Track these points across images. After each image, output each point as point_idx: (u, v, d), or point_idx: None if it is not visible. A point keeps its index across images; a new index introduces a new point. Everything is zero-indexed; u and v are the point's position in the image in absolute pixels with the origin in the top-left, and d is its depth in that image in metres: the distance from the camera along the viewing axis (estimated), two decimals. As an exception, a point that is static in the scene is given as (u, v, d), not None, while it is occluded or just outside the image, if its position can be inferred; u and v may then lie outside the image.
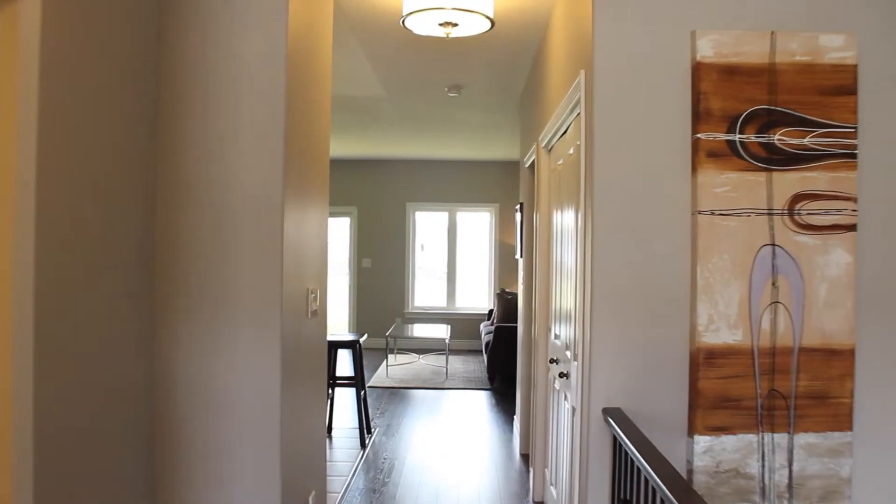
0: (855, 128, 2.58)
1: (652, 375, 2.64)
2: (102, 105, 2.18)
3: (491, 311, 10.50)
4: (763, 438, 2.58)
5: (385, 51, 5.09)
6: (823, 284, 2.58)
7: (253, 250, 2.65)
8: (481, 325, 10.21)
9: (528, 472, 5.14)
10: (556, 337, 3.93)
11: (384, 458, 5.47)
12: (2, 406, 1.82)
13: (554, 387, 3.96)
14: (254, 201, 2.65)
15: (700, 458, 2.56)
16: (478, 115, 7.34)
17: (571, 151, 3.42)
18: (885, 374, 2.64)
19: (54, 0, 1.88)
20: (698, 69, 2.58)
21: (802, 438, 2.58)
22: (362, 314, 11.26)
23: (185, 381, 2.66)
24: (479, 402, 7.56)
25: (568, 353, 3.43)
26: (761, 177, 2.58)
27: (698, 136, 2.57)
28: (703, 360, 2.56)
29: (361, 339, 5.80)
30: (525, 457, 5.54)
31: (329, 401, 5.89)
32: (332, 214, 11.05)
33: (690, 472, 2.58)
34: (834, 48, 2.59)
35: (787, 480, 2.58)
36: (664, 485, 1.88)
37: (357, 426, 5.92)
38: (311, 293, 3.11)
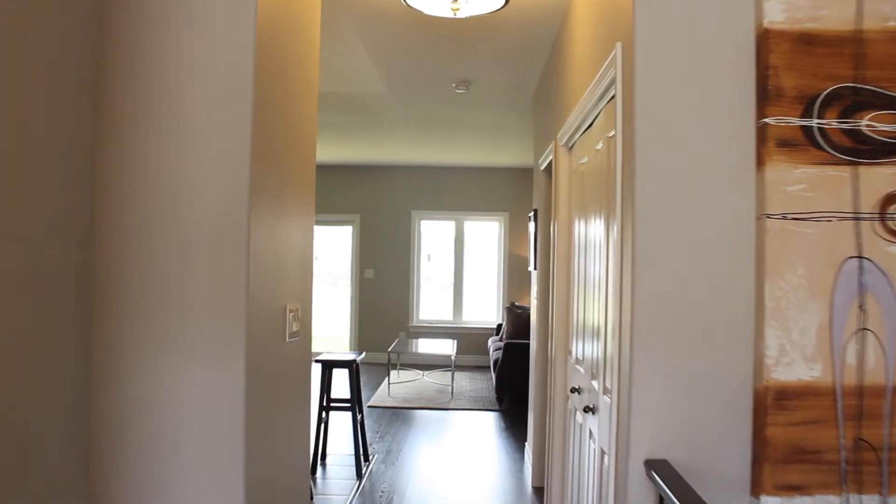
0: (964, 111, 2.06)
1: (706, 419, 2.11)
2: (28, 99, 1.69)
3: (499, 326, 9.98)
4: (849, 501, 2.05)
5: (385, 40, 4.60)
6: (925, 307, 2.05)
7: (209, 264, 2.14)
8: (489, 341, 9.69)
9: (542, 509, 4.60)
10: (578, 362, 3.41)
11: (382, 491, 4.94)
12: None
13: (575, 419, 3.43)
14: (211, 210, 2.15)
15: (770, 526, 2.03)
16: (487, 114, 6.83)
17: (599, 146, 2.91)
18: None
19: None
20: (766, 38, 2.07)
21: (899, 502, 2.05)
22: (364, 327, 10.74)
23: (126, 409, 2.15)
24: (487, 425, 7.02)
25: (594, 384, 2.91)
26: (845, 172, 2.06)
27: (766, 120, 2.06)
28: (772, 401, 2.03)
29: (358, 359, 5.29)
30: (538, 490, 4.99)
31: (323, 425, 5.37)
32: (334, 223, 10.57)
33: (757, 543, 2.06)
34: (938, 11, 2.07)
35: (879, 555, 2.05)
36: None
37: (353, 453, 5.39)
38: (291, 312, 2.61)
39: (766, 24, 2.07)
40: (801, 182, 2.05)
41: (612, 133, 2.63)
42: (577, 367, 3.41)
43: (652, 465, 2.07)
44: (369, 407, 7.56)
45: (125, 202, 2.16)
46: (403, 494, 4.87)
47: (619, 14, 2.41)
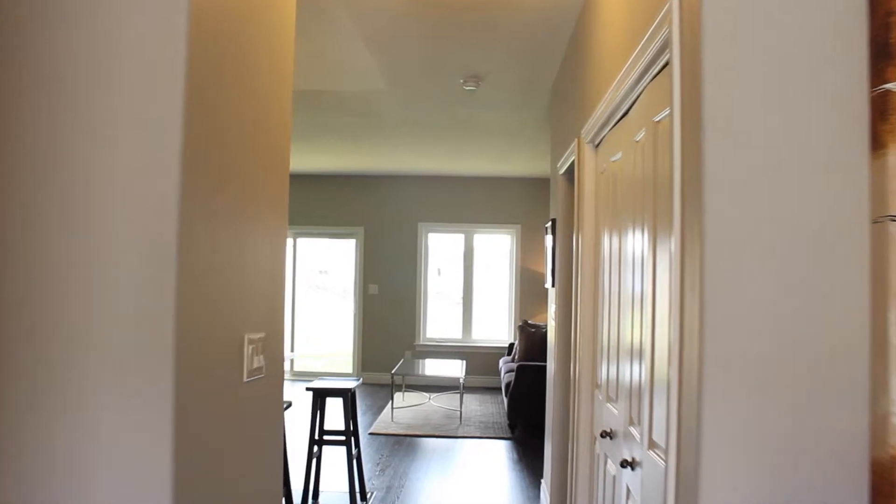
0: None
1: (805, 498, 1.53)
2: None
3: (511, 346, 9.39)
4: None
5: (385, 28, 4.06)
6: None
7: (123, 293, 1.58)
8: (500, 361, 9.09)
9: (562, 562, 4.00)
10: (610, 399, 2.83)
11: (380, 537, 4.35)
12: None
13: (606, 469, 2.85)
14: (125, 225, 1.59)
15: None
16: (499, 116, 6.28)
17: (640, 136, 2.35)
18: None
19: None
20: (885, -26, 1.51)
21: None
22: (368, 346, 10.17)
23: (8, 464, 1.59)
24: (499, 456, 6.42)
25: (634, 432, 2.33)
26: None
27: (886, 87, 1.49)
28: (902, 476, 1.46)
29: (355, 385, 4.72)
30: (557, 538, 4.40)
31: (315, 460, 4.80)
32: (336, 235, 10.03)
33: None
34: None
35: None
36: None
37: (349, 491, 4.80)
38: (252, 344, 2.04)
39: (885, -46, 1.50)
40: (939, 171, 1.48)
41: (661, 115, 2.07)
42: (609, 405, 2.83)
43: (731, 562, 1.49)
44: (370, 434, 6.98)
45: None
46: (404, 542, 4.29)
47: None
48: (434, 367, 8.54)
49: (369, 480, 5.45)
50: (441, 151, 8.20)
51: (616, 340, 2.72)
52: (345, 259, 10.58)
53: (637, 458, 2.27)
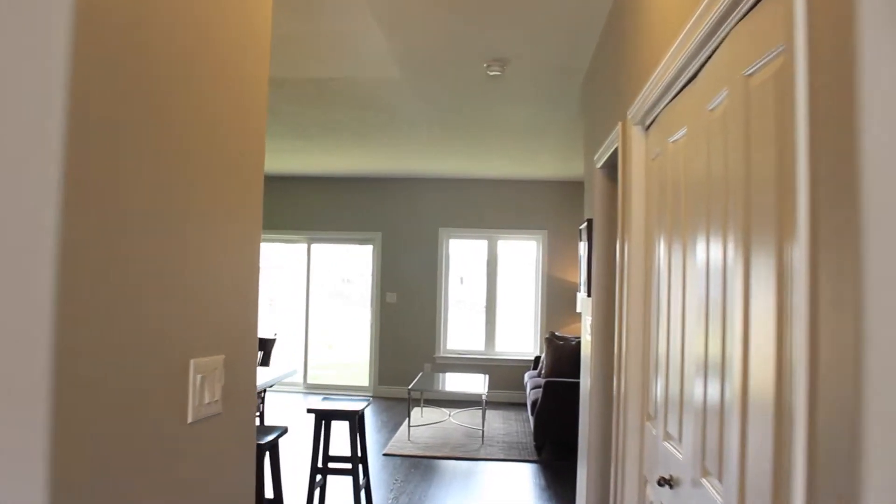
0: None
1: None
2: None
3: (537, 359, 8.81)
4: None
5: (398, 2, 3.55)
6: None
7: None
8: (525, 376, 8.52)
9: None
10: (670, 437, 2.27)
11: (390, 582, 3.81)
12: None
13: (664, 525, 2.28)
14: None
15: None
16: (525, 107, 5.74)
17: (718, 101, 1.81)
18: None
19: None
20: None
21: None
22: (385, 357, 9.64)
23: None
24: (524, 481, 5.86)
25: (712, 490, 1.77)
26: None
27: None
28: None
29: (363, 408, 4.18)
30: (593, 586, 3.83)
31: (318, 491, 4.27)
32: (352, 241, 9.55)
33: None
34: None
35: None
36: None
37: (357, 526, 4.27)
38: (202, 372, 1.52)
39: None
40: None
41: (755, 66, 1.52)
42: (669, 444, 2.27)
43: None
44: (385, 455, 6.44)
45: None
46: (417, 588, 3.74)
47: None
48: (454, 383, 7.99)
49: (381, 511, 4.91)
50: (462, 152, 7.66)
51: (680, 367, 2.15)
52: (362, 266, 10.08)
53: (716, 526, 1.71)
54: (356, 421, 4.08)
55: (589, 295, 4.01)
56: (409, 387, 7.28)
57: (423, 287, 9.66)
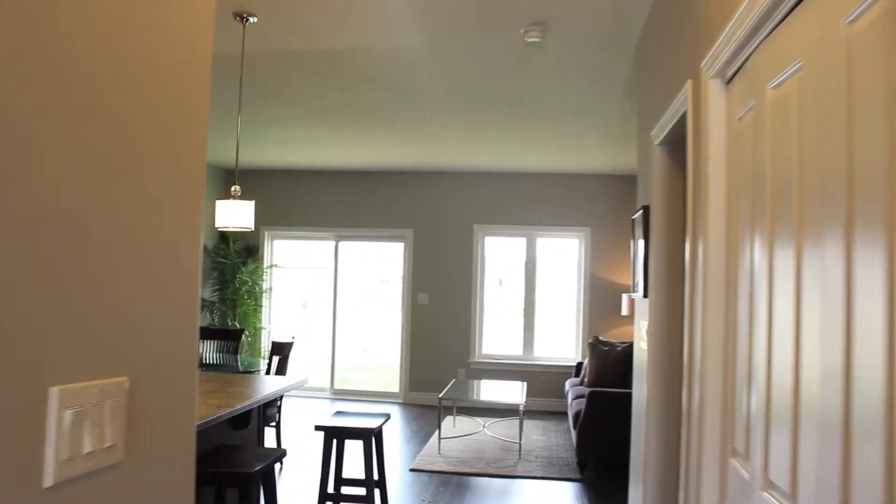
0: None
1: None
2: None
3: (580, 365, 8.18)
4: None
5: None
6: None
7: None
8: (567, 383, 7.89)
9: None
10: (772, 488, 1.66)
11: None
12: None
13: None
14: None
15: None
16: (567, 85, 5.14)
17: (863, 6, 1.20)
18: None
19: None
20: None
21: None
22: (417, 362, 9.09)
23: None
24: (565, 503, 5.25)
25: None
26: None
27: None
28: None
29: (380, 424, 3.63)
30: None
31: (330, 518, 3.73)
32: (382, 238, 9.04)
33: None
34: None
35: None
36: None
37: (374, 559, 3.71)
38: (75, 406, 0.97)
39: None
40: None
41: None
42: (768, 495, 1.67)
43: None
44: (412, 471, 5.88)
45: None
46: None
47: None
48: (490, 391, 7.40)
49: (404, 538, 4.36)
50: (497, 141, 7.07)
51: (793, 395, 1.55)
52: (392, 265, 9.55)
53: None
54: (371, 439, 3.53)
55: (645, 296, 3.40)
56: (440, 395, 6.70)
57: (456, 287, 9.09)
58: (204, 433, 2.96)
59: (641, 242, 3.55)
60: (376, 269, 9.86)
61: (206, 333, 6.59)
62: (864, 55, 1.22)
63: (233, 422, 3.72)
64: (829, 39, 1.38)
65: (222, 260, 8.86)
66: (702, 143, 2.31)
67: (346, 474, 4.04)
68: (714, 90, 2.24)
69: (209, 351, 6.57)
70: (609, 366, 7.12)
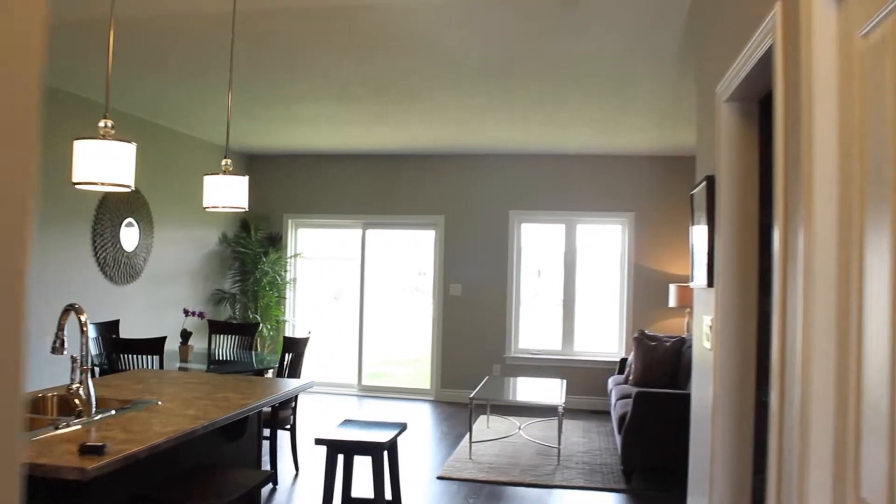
0: None
1: None
2: None
3: (624, 361, 7.56)
4: None
5: None
6: None
7: None
8: (609, 381, 7.29)
9: None
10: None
11: None
12: None
13: None
14: None
15: None
16: (608, 51, 4.53)
17: None
18: None
19: None
20: None
21: None
22: (449, 357, 8.56)
23: None
24: (611, 520, 4.68)
25: None
26: None
27: None
28: None
29: (394, 436, 3.10)
30: None
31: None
32: (411, 226, 8.54)
33: None
34: None
35: None
36: None
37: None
38: None
39: None
40: None
41: None
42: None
43: None
44: (439, 479, 5.36)
45: None
46: None
47: None
48: (526, 390, 6.84)
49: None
50: (532, 119, 6.47)
51: None
52: (421, 254, 9.02)
53: None
54: (381, 455, 3.00)
55: (710, 285, 2.81)
56: (471, 395, 6.16)
57: (491, 277, 8.53)
58: (172, 452, 2.47)
59: (704, 221, 2.95)
60: (406, 258, 9.34)
61: (219, 328, 6.14)
62: None
63: (225, 431, 3.23)
64: None
65: (243, 249, 8.42)
66: (801, 82, 1.72)
67: (357, 491, 3.53)
68: (819, 10, 1.65)
69: (222, 347, 6.12)
70: (656, 363, 6.51)
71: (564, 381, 6.96)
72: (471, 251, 8.57)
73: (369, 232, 8.98)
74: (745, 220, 2.63)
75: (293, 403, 5.20)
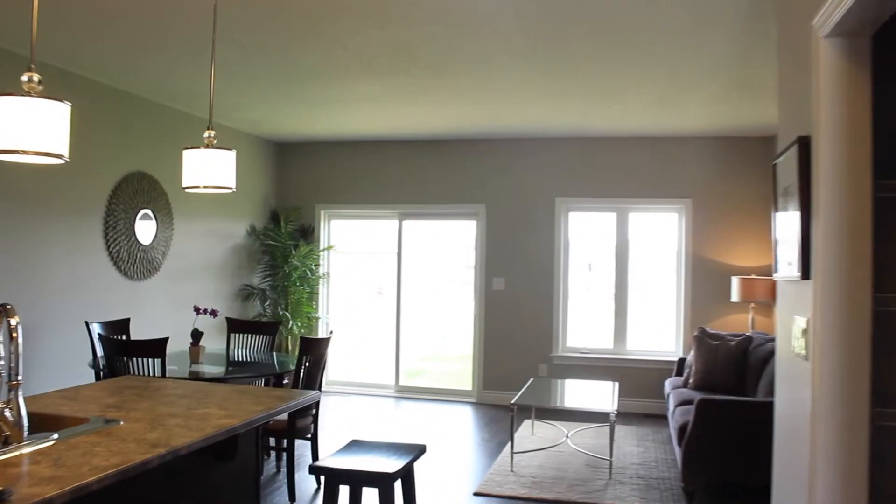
0: None
1: None
2: None
3: (682, 362, 6.90)
4: None
5: None
6: None
7: None
8: (667, 384, 6.64)
9: None
10: None
11: None
12: None
13: None
14: None
15: None
16: (675, 12, 3.91)
17: None
18: None
19: None
20: None
21: None
22: (491, 357, 7.99)
23: None
24: (672, 548, 4.07)
25: None
26: None
27: None
28: None
29: (409, 462, 2.56)
30: None
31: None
32: (451, 216, 8.01)
33: None
34: None
35: None
36: None
37: None
38: None
39: None
40: None
41: None
42: None
43: None
44: (476, 495, 4.80)
45: None
46: None
47: None
48: (574, 395, 6.25)
49: None
50: (576, 93, 5.85)
51: None
52: (463, 245, 8.47)
53: None
54: (392, 489, 2.46)
55: (805, 277, 2.20)
56: (513, 400, 5.59)
57: (536, 270, 7.92)
58: (118, 492, 1.96)
59: (794, 195, 2.34)
60: (446, 250, 8.79)
61: (238, 326, 5.69)
62: None
63: (217, 451, 2.72)
64: None
65: (272, 242, 7.97)
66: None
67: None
68: None
69: (243, 347, 5.67)
70: (719, 364, 5.85)
71: (616, 384, 6.35)
72: (514, 242, 7.98)
73: (406, 223, 8.45)
74: (856, 193, 2.01)
75: (314, 410, 4.71)
